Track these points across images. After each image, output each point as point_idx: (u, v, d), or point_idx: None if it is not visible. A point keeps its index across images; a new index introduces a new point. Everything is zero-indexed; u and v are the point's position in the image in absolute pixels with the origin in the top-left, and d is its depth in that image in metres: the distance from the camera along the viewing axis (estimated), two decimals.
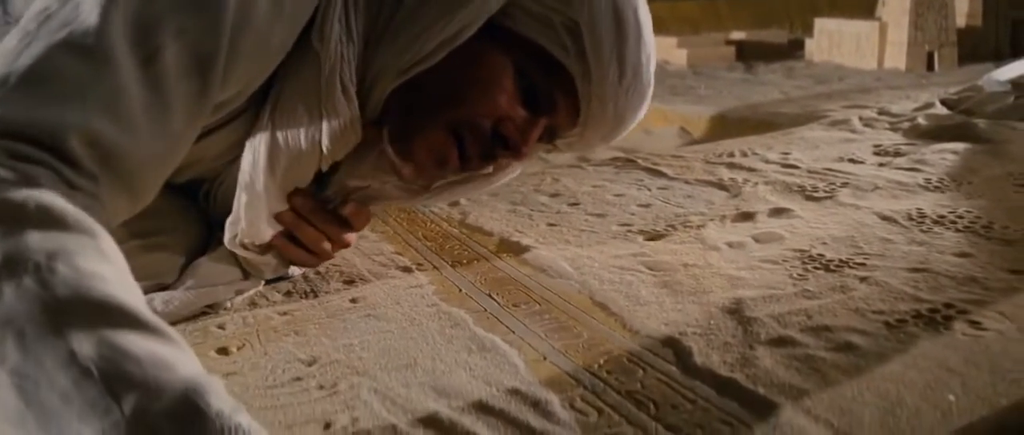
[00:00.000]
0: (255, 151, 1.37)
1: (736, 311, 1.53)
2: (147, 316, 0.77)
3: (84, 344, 0.71)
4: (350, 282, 1.76)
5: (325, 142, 1.34)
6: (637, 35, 1.33)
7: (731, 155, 2.90)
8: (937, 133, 3.27)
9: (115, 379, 0.70)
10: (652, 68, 1.39)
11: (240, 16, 1.07)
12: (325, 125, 1.32)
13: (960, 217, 2.11)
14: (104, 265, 0.80)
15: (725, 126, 4.40)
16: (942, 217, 2.11)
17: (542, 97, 1.34)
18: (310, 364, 1.37)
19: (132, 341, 0.73)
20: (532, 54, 1.31)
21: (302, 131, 1.33)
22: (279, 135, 1.34)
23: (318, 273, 1.81)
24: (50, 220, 0.80)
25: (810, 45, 7.46)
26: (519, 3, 1.28)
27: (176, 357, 0.74)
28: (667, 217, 2.16)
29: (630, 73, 1.33)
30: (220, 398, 0.71)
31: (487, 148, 1.34)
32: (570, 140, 1.46)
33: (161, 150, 1.04)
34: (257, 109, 1.36)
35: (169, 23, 1.01)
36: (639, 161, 2.83)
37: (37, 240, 0.77)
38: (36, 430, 0.68)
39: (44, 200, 0.81)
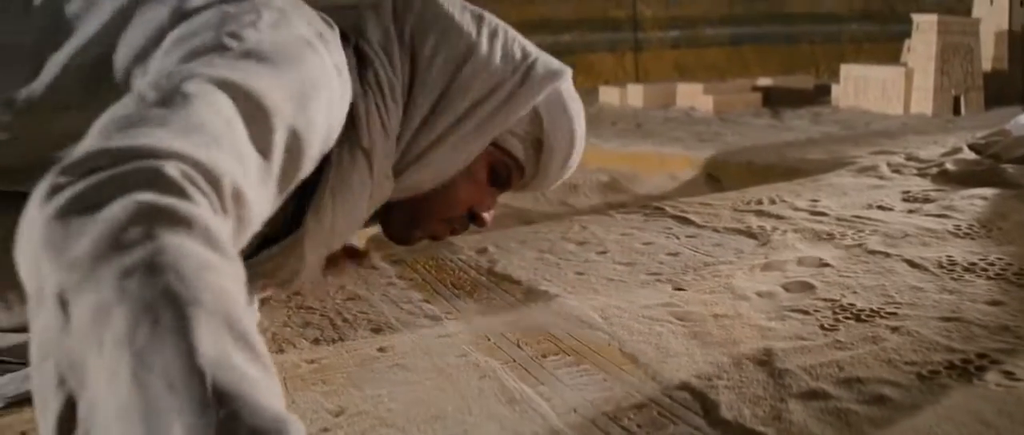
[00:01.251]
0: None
1: (767, 363, 1.52)
2: (263, 348, 0.82)
3: (207, 348, 0.76)
4: (378, 330, 1.76)
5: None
6: (581, 145, 1.70)
7: (759, 202, 2.89)
8: (965, 178, 3.26)
9: (222, 387, 0.74)
10: (578, 155, 1.72)
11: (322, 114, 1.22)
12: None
13: (991, 264, 2.09)
14: (240, 292, 0.86)
15: (752, 172, 4.39)
16: (973, 264, 2.10)
17: (503, 182, 1.67)
18: (338, 415, 1.37)
19: (247, 363, 0.78)
20: (506, 157, 1.63)
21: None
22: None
23: (346, 320, 1.81)
24: (211, 240, 0.86)
25: (836, 91, 7.44)
26: (511, 129, 1.60)
27: (276, 393, 0.79)
28: (696, 266, 2.16)
29: (567, 167, 1.71)
30: None
31: (465, 225, 1.68)
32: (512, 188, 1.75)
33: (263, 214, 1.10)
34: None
35: (282, 112, 1.12)
36: (667, 209, 2.82)
37: (196, 250, 0.83)
38: (136, 409, 0.73)
39: (210, 223, 0.87)
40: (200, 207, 0.88)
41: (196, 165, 0.92)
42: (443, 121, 1.53)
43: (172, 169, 0.89)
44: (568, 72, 1.67)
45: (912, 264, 2.12)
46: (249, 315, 0.86)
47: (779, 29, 10.87)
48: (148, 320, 0.76)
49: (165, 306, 0.77)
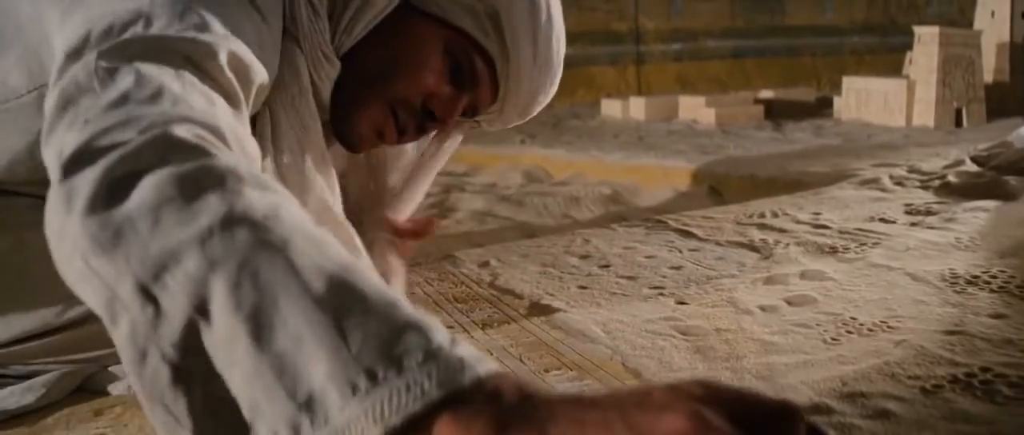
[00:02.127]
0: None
1: (769, 378, 1.52)
2: (360, 255, 0.87)
3: (317, 287, 0.74)
4: None
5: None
6: (548, 20, 1.48)
7: (762, 216, 2.89)
8: (968, 191, 3.26)
9: (347, 321, 0.72)
10: (562, 52, 1.55)
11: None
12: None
13: (994, 277, 2.09)
14: (305, 215, 0.85)
15: (754, 185, 4.39)
16: (976, 277, 2.10)
17: (466, 75, 1.48)
18: None
19: (358, 278, 0.76)
20: (457, 36, 1.45)
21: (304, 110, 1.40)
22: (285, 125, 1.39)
23: None
24: (254, 180, 0.84)
25: (838, 103, 7.44)
26: None
27: (396, 294, 0.76)
28: (699, 280, 2.16)
29: (542, 54, 1.48)
30: (441, 333, 0.73)
31: (418, 121, 1.48)
32: (490, 116, 1.60)
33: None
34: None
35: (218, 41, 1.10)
36: (669, 222, 2.82)
37: (252, 194, 0.81)
38: (268, 372, 0.71)
39: (241, 166, 0.86)
40: (226, 156, 0.88)
41: (196, 122, 0.91)
42: None
43: (182, 131, 0.88)
44: None
45: (915, 277, 2.11)
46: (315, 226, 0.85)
47: (781, 42, 10.89)
48: (248, 279, 0.75)
49: (260, 259, 0.76)
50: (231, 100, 1.08)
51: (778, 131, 6.68)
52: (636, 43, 9.76)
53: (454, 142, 1.73)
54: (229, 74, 1.09)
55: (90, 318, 1.44)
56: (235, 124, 1.01)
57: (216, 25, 1.12)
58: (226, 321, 0.74)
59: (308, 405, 0.70)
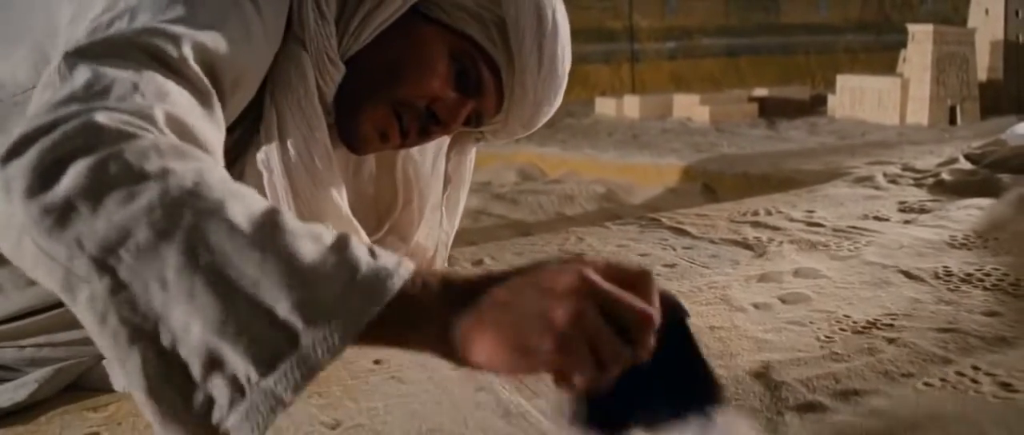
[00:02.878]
0: (269, 166, 1.46)
1: (763, 375, 1.52)
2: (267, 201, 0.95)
3: (264, 237, 0.87)
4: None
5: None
6: (554, 32, 1.50)
7: (755, 213, 2.89)
8: (962, 188, 3.26)
9: (288, 257, 0.86)
10: (567, 63, 1.58)
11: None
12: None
13: (987, 275, 2.09)
14: (221, 171, 0.98)
15: (748, 183, 4.40)
16: (969, 275, 2.10)
17: (471, 81, 1.49)
18: (333, 428, 1.37)
19: (281, 214, 0.91)
20: (464, 43, 1.47)
21: (308, 120, 1.44)
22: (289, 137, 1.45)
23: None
24: (176, 149, 0.95)
25: (833, 101, 7.45)
26: (455, 0, 1.45)
27: (315, 227, 0.92)
28: (692, 278, 2.15)
29: (547, 65, 1.50)
30: (362, 253, 0.90)
31: (422, 123, 1.49)
32: (495, 126, 1.62)
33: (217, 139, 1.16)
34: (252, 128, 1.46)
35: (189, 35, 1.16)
36: (663, 220, 2.82)
37: (179, 165, 0.92)
38: (232, 315, 0.84)
39: (161, 140, 0.95)
40: (148, 137, 0.95)
41: (123, 111, 0.98)
42: None
43: (104, 118, 0.94)
44: None
45: (908, 275, 2.12)
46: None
47: (775, 40, 10.89)
48: (199, 242, 0.85)
49: (204, 223, 0.86)
50: (197, 92, 1.13)
51: (772, 129, 6.68)
52: (630, 41, 9.76)
53: (470, 156, 1.80)
54: (195, 67, 1.13)
55: None
56: (186, 112, 1.06)
57: (195, 17, 1.17)
58: (184, 281, 0.84)
59: (280, 337, 0.84)
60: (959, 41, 6.96)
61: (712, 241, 2.54)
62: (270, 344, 0.83)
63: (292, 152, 1.44)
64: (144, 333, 0.85)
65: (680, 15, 10.16)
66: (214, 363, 0.84)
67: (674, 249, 2.45)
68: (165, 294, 0.84)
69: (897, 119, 6.80)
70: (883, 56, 10.24)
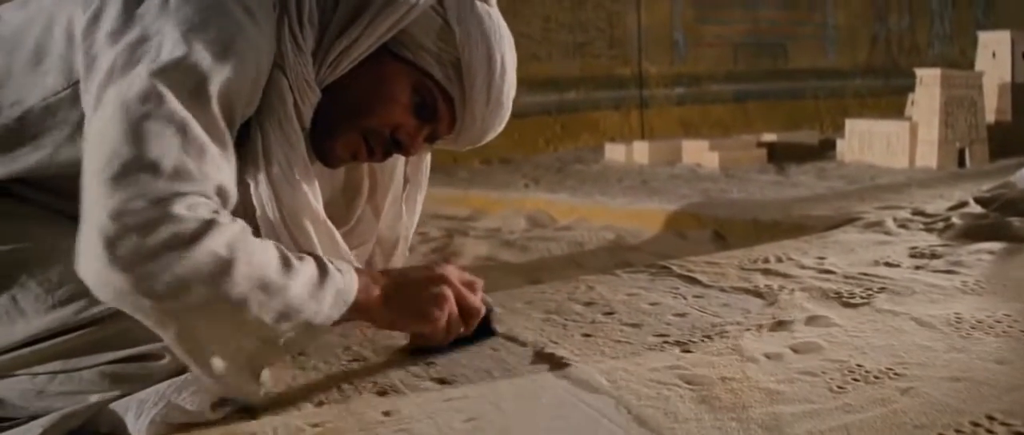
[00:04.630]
0: (256, 179, 1.73)
1: (775, 428, 1.51)
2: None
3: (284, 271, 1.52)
4: (383, 393, 1.76)
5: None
6: (502, 73, 1.80)
7: (766, 261, 2.89)
8: (972, 233, 3.25)
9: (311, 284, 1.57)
10: (511, 96, 1.87)
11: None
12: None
13: (998, 321, 2.09)
14: (266, 248, 1.53)
15: (758, 229, 4.39)
16: (981, 322, 2.09)
17: (429, 110, 1.80)
18: None
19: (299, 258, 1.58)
20: (424, 78, 1.76)
21: (291, 141, 1.72)
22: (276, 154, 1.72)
23: (351, 383, 1.81)
24: (236, 237, 1.46)
25: (841, 145, 7.44)
26: (420, 43, 1.73)
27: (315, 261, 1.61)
28: (703, 327, 2.15)
29: (494, 99, 1.81)
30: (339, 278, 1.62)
31: (386, 147, 1.82)
32: (446, 142, 1.92)
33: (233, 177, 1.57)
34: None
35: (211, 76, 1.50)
36: (674, 268, 2.82)
37: (238, 252, 1.46)
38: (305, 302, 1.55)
39: (230, 229, 1.46)
40: (223, 222, 1.44)
41: (195, 197, 1.43)
42: (354, 30, 1.70)
43: (182, 210, 1.40)
44: None
45: (920, 322, 2.11)
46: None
47: (783, 85, 10.90)
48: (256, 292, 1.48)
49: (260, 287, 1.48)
50: (219, 139, 1.51)
51: (781, 174, 6.67)
52: (639, 87, 9.78)
53: (425, 161, 2.19)
54: (217, 110, 1.50)
55: (108, 318, 1.54)
56: (219, 171, 1.49)
57: (218, 49, 1.50)
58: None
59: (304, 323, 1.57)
60: (967, 84, 6.96)
61: (723, 289, 2.53)
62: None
63: (275, 167, 1.68)
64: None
65: (689, 61, 10.18)
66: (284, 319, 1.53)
67: (685, 298, 2.45)
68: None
69: (906, 163, 6.79)
70: (891, 100, 10.23)
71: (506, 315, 2.28)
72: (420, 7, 1.71)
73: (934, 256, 2.91)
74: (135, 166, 1.39)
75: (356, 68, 1.74)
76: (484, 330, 2.05)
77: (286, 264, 1.52)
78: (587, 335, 2.12)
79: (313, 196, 1.76)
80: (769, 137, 8.35)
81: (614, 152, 8.03)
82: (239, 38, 1.54)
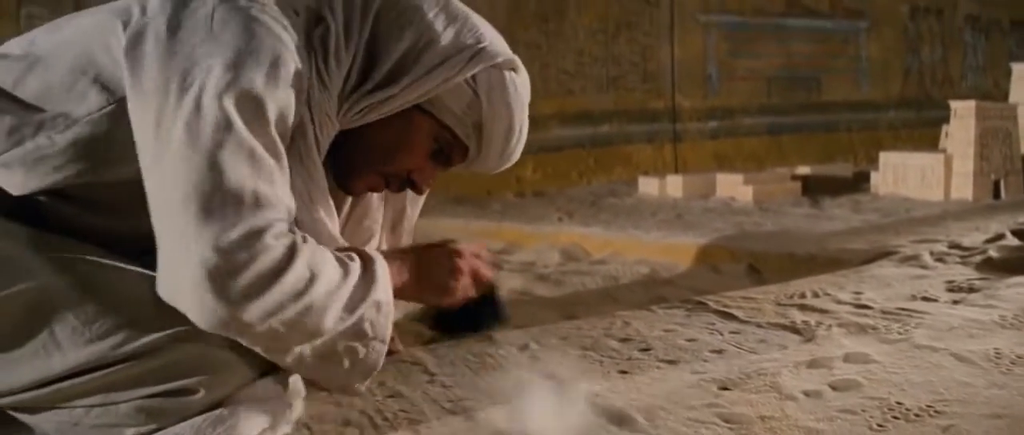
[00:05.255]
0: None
1: None
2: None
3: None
4: (417, 428, 1.76)
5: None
6: (519, 136, 1.97)
7: (802, 296, 2.88)
8: (1010, 265, 3.24)
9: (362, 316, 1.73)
10: (521, 149, 2.02)
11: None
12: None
13: None
14: (340, 274, 1.69)
15: (793, 263, 4.37)
16: (1021, 356, 2.09)
17: (445, 158, 1.97)
18: None
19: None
20: (445, 131, 1.92)
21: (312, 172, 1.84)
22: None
23: (386, 418, 1.82)
24: (315, 263, 1.62)
25: (875, 178, 7.41)
26: (448, 107, 1.88)
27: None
28: (741, 364, 2.14)
29: (507, 155, 1.99)
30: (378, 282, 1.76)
31: (402, 185, 1.99)
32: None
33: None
34: None
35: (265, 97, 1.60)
36: (710, 303, 2.81)
37: (317, 284, 1.62)
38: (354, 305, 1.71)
39: (310, 256, 1.61)
40: (300, 245, 1.59)
41: (277, 223, 1.58)
42: (391, 89, 1.82)
43: (272, 240, 1.54)
44: (517, 64, 1.96)
45: (959, 358, 2.10)
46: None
47: (817, 118, 10.88)
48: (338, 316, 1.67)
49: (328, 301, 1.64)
50: (277, 158, 1.63)
51: (816, 207, 6.65)
52: (673, 121, 9.78)
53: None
54: (275, 134, 1.62)
55: (146, 353, 1.59)
56: (286, 194, 1.64)
57: (270, 76, 1.61)
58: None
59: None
60: (1002, 116, 6.93)
61: (759, 325, 2.52)
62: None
63: (295, 193, 1.72)
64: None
65: (722, 95, 10.18)
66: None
67: (721, 334, 2.44)
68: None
69: (941, 195, 6.76)
70: (925, 132, 10.20)
71: (542, 351, 2.28)
72: (454, 80, 1.86)
73: (972, 290, 2.90)
74: (219, 198, 1.51)
75: (385, 117, 1.88)
76: (491, 313, 2.21)
77: (343, 267, 1.69)
78: (624, 372, 2.12)
79: (330, 221, 1.89)
80: (803, 170, 8.33)
81: (648, 185, 8.02)
82: (285, 58, 1.64)
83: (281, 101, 1.63)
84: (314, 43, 1.77)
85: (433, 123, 1.91)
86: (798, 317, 2.57)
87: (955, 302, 2.72)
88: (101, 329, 1.60)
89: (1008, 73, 8.09)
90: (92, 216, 1.73)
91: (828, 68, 11.09)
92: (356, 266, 1.73)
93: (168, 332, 1.58)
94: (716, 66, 10.18)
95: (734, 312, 2.68)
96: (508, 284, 4.53)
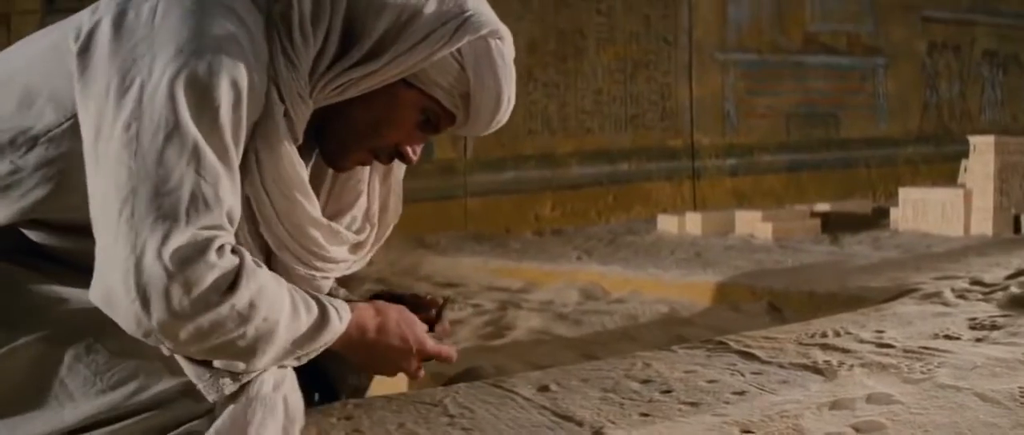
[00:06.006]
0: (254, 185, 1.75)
1: None
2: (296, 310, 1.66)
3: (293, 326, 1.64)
4: None
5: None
6: (508, 106, 1.90)
7: (824, 335, 2.87)
8: None
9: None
10: (510, 111, 1.93)
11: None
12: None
13: None
14: (278, 285, 1.64)
15: (814, 301, 4.36)
16: None
17: (432, 128, 1.92)
18: None
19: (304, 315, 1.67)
20: (433, 103, 1.85)
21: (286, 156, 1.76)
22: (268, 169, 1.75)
23: None
24: (250, 274, 1.55)
25: (895, 214, 7.40)
26: (435, 80, 1.81)
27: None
28: (763, 406, 2.13)
29: (496, 122, 1.92)
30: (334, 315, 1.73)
31: (391, 157, 1.94)
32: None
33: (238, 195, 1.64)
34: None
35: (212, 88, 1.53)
36: (731, 343, 2.80)
37: (259, 295, 1.56)
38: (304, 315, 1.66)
39: (245, 268, 1.54)
40: (248, 271, 1.54)
41: (221, 234, 1.52)
42: (372, 65, 1.75)
43: (214, 256, 1.49)
44: (502, 32, 1.86)
45: (983, 398, 2.08)
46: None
47: (835, 154, 10.87)
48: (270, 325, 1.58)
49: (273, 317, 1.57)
50: (225, 157, 1.56)
51: (836, 244, 6.63)
52: (692, 159, 9.79)
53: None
54: (224, 123, 1.56)
55: (159, 405, 1.59)
56: (229, 196, 1.56)
57: (216, 65, 1.54)
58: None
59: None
60: (1021, 150, 6.92)
61: (781, 366, 2.51)
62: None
63: (269, 179, 1.73)
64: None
65: (741, 132, 10.18)
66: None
67: (743, 375, 2.43)
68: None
69: (961, 230, 6.74)
70: (944, 167, 10.17)
71: (562, 393, 2.27)
72: (439, 54, 1.78)
73: (994, 327, 2.88)
74: (159, 202, 1.46)
75: (368, 93, 1.80)
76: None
77: (294, 311, 1.64)
78: (645, 414, 2.11)
79: (308, 202, 1.82)
80: (822, 207, 8.33)
81: (667, 223, 8.03)
82: (234, 43, 1.58)
83: (231, 87, 1.56)
84: (276, 20, 1.70)
85: (420, 96, 1.84)
86: (820, 357, 2.56)
87: (978, 340, 2.71)
88: (112, 379, 1.59)
89: None
90: (75, 241, 1.69)
91: (846, 105, 11.09)
92: (313, 309, 1.68)
93: (182, 380, 1.57)
94: (734, 104, 10.20)
95: (755, 352, 2.67)
96: (527, 324, 4.53)
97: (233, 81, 1.56)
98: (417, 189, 7.47)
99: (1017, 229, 6.71)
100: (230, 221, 1.57)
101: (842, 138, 11.00)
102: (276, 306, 1.58)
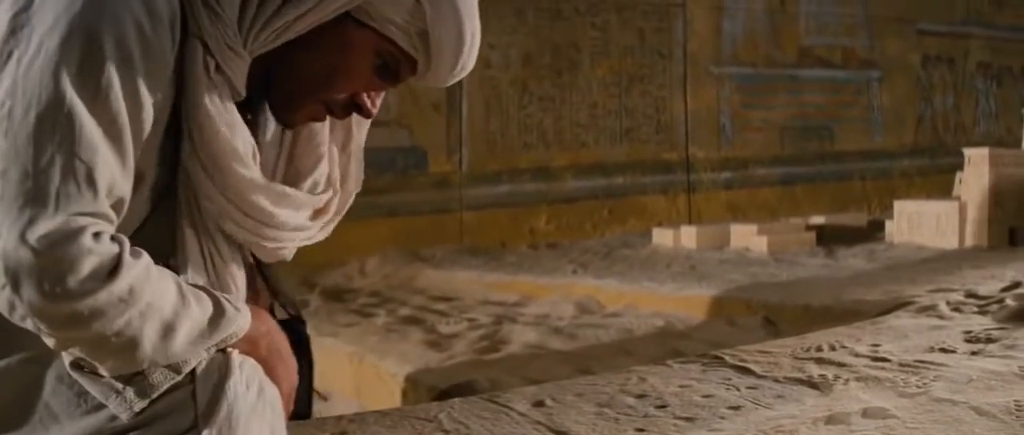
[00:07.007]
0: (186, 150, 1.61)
1: None
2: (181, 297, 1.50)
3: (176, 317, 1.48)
4: None
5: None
6: (471, 43, 1.70)
7: (819, 349, 2.86)
8: None
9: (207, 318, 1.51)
10: (475, 55, 1.75)
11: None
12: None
13: None
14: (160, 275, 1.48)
15: (809, 315, 4.35)
16: None
17: (391, 75, 1.71)
18: None
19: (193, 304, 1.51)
20: (389, 45, 1.65)
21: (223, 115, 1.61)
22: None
23: None
24: (128, 264, 1.40)
25: (890, 226, 7.40)
26: (387, 16, 1.63)
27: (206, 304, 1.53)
28: (759, 421, 2.13)
29: (458, 66, 1.72)
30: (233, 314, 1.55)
31: (346, 110, 1.73)
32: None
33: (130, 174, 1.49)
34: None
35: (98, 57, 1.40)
36: (726, 358, 2.80)
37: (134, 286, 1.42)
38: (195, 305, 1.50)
39: (124, 256, 1.40)
40: (127, 262, 1.40)
41: (98, 221, 1.40)
42: (305, 3, 1.57)
43: (89, 241, 1.36)
44: None
45: (979, 411, 2.08)
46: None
47: (830, 167, 10.89)
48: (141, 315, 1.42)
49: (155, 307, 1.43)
50: (111, 133, 1.42)
51: (830, 257, 6.64)
52: (687, 172, 9.80)
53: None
54: (113, 91, 1.41)
55: (142, 425, 1.52)
56: (118, 178, 1.43)
57: (107, 32, 1.41)
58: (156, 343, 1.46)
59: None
60: (1016, 163, 6.93)
61: (776, 380, 2.51)
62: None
63: (196, 142, 1.59)
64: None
65: (736, 146, 10.20)
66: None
67: (738, 389, 2.42)
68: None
69: (956, 242, 6.75)
70: (938, 179, 10.19)
71: (558, 408, 2.27)
72: None
73: (990, 340, 2.88)
74: (23, 184, 1.36)
75: (315, 35, 1.63)
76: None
77: (183, 301, 1.48)
78: (640, 430, 2.11)
79: (242, 167, 1.65)
80: (817, 220, 8.33)
81: (662, 237, 8.03)
82: (120, 5, 1.44)
83: (118, 46, 1.42)
84: None
85: (374, 36, 1.64)
86: (815, 371, 2.56)
87: (973, 353, 2.71)
88: (95, 400, 1.57)
89: (1020, 119, 8.10)
90: None
91: (841, 118, 11.12)
92: (205, 301, 1.51)
93: (166, 400, 1.55)
94: (729, 117, 10.21)
95: (751, 366, 2.66)
96: (522, 338, 4.52)
97: (120, 39, 1.43)
98: (412, 202, 7.48)
99: (1012, 241, 6.72)
100: (117, 201, 1.46)
101: (837, 151, 11.03)
102: (160, 294, 1.44)
